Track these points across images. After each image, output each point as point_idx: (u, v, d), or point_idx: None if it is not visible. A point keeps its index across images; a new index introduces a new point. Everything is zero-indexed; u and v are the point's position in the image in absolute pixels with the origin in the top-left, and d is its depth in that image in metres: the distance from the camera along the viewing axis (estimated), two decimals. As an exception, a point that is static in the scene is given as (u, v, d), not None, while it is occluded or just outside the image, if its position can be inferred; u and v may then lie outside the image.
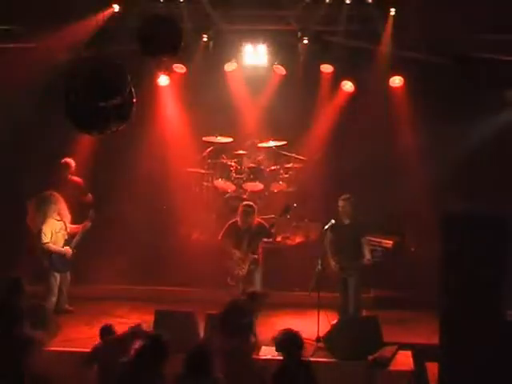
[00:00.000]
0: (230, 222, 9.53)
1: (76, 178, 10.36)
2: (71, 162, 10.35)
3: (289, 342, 6.40)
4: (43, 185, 9.70)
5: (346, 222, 9.06)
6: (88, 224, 9.32)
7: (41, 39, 9.96)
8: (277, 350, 6.57)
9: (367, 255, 8.95)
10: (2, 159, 10.77)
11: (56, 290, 9.20)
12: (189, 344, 8.07)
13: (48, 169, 10.38)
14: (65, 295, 9.47)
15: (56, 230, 9.21)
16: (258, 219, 9.44)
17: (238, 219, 9.34)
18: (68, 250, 9.24)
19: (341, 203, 9.04)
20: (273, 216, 10.08)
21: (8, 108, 10.32)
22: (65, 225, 9.30)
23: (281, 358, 6.58)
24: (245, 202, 9.64)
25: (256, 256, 9.29)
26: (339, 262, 8.98)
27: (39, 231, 9.12)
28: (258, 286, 9.27)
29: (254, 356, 7.31)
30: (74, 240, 9.28)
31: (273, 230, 9.52)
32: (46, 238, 9.12)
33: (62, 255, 9.23)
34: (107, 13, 9.97)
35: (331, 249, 9.05)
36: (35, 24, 9.81)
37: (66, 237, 9.28)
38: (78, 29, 9.86)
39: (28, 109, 10.43)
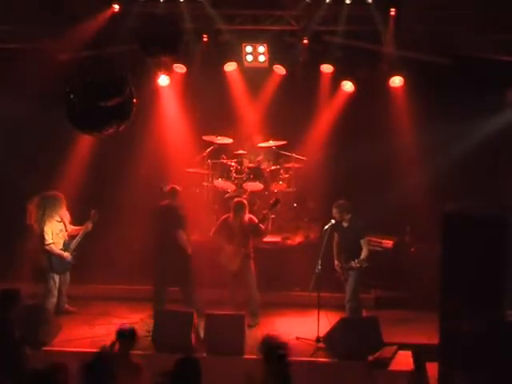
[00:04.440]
0: (222, 218, 9.56)
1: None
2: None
3: (267, 347, 6.21)
4: (44, 185, 9.69)
5: (345, 225, 9.09)
6: (89, 225, 9.27)
7: (41, 40, 9.96)
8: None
9: (361, 258, 8.95)
10: (2, 159, 10.76)
11: (55, 292, 9.15)
12: (188, 344, 8.18)
13: (49, 169, 10.38)
14: (64, 295, 9.44)
15: (56, 231, 9.17)
16: (249, 215, 9.44)
17: (230, 215, 9.37)
18: (68, 255, 9.20)
19: (333, 210, 9.06)
20: (265, 212, 10.01)
21: (8, 108, 10.32)
22: (65, 226, 9.27)
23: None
24: (236, 199, 9.65)
25: (247, 251, 9.30)
26: (340, 262, 9.08)
27: (42, 232, 9.10)
28: (250, 281, 9.28)
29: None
30: (74, 241, 9.22)
31: (263, 226, 9.43)
32: (48, 238, 9.10)
33: (61, 258, 9.21)
34: (107, 13, 9.98)
35: (336, 249, 9.16)
36: (35, 24, 9.82)
37: (66, 238, 9.25)
38: (79, 29, 9.86)
39: (28, 109, 10.42)
